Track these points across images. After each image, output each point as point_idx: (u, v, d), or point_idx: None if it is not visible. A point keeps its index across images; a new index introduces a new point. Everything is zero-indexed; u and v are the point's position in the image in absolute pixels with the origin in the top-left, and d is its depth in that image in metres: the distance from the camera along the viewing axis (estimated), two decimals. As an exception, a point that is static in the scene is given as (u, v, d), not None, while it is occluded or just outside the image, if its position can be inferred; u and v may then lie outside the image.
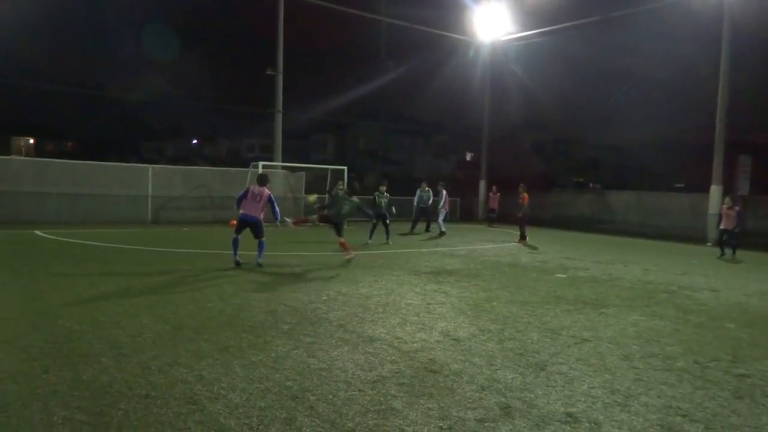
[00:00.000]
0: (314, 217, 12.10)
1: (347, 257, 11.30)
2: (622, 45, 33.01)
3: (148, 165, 21.23)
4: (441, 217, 19.56)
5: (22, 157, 28.90)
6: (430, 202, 20.15)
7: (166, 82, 46.88)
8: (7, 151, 37.41)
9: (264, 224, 10.56)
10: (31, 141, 49.56)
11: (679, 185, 31.84)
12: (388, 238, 15.60)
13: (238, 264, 10.22)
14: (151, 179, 20.33)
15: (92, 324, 5.96)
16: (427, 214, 20.35)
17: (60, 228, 16.38)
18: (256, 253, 10.35)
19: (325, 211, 11.84)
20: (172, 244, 13.65)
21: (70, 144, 51.57)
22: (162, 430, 3.55)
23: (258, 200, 10.34)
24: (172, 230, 17.71)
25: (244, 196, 10.37)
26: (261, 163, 20.65)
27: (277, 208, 10.70)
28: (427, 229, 20.12)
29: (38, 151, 45.70)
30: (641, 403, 4.31)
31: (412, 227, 20.02)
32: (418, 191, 20.16)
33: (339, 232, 11.54)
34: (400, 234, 18.41)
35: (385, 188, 16.32)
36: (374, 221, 15.69)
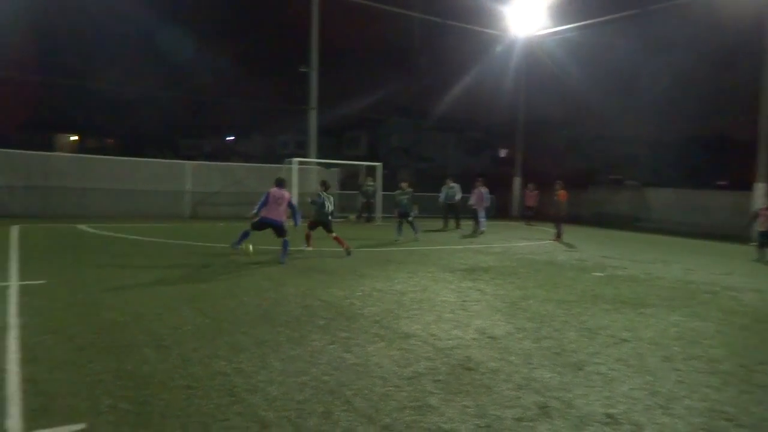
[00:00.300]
0: (307, 228, 12.10)
1: (346, 250, 11.55)
2: (662, 39, 32.19)
3: (186, 161, 21.68)
4: (482, 215, 18.76)
5: (66, 154, 29.83)
6: (457, 198, 19.84)
7: (202, 80, 47.71)
8: (51, 148, 38.70)
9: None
10: (74, 138, 51.09)
11: (721, 183, 30.83)
12: (415, 234, 15.52)
13: (232, 246, 10.75)
14: (190, 175, 20.77)
15: (134, 316, 6.13)
16: (456, 211, 20.09)
17: (102, 222, 16.87)
18: (281, 251, 10.42)
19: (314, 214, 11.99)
20: (210, 239, 13.91)
21: (111, 141, 52.94)
22: (203, 420, 3.63)
23: (280, 203, 10.49)
24: (209, 225, 18.05)
25: (265, 202, 10.50)
26: (296, 160, 20.81)
27: (298, 214, 10.85)
28: (458, 227, 19.81)
29: (81, 148, 47.05)
30: (684, 406, 4.20)
31: (444, 224, 19.91)
32: (443, 188, 19.99)
33: (329, 229, 11.78)
34: (431, 230, 18.35)
35: (406, 185, 16.07)
36: (399, 219, 15.69)
